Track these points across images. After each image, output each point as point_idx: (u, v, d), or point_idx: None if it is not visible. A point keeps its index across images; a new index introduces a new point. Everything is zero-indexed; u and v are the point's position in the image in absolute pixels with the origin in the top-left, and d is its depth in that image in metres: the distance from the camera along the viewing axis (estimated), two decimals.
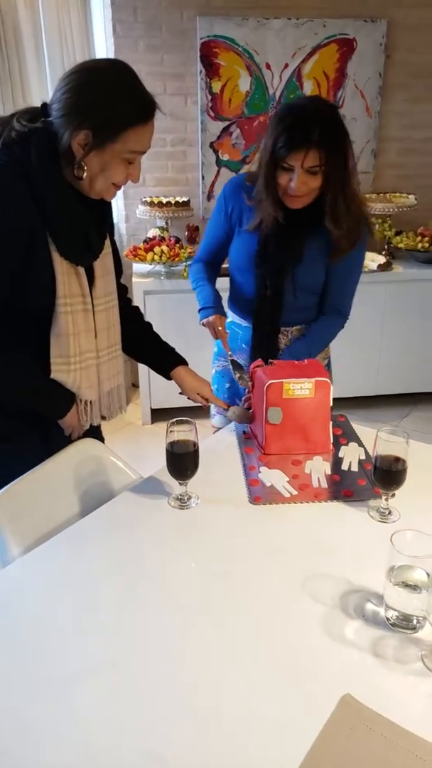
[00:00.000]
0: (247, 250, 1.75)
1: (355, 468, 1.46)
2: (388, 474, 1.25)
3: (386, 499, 1.29)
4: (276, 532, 1.26)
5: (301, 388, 1.49)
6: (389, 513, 1.29)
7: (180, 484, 1.33)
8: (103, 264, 1.42)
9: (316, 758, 0.80)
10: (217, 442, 1.63)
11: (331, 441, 1.54)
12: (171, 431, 1.28)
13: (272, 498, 1.35)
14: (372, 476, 1.28)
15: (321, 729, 0.84)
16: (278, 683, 0.91)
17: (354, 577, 1.12)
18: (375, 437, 1.26)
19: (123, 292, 1.59)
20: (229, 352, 1.78)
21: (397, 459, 1.25)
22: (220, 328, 1.75)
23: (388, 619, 1.01)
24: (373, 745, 0.82)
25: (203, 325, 1.80)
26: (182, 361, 1.65)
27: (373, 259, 3.35)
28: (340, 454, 1.52)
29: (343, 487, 1.38)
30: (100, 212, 1.37)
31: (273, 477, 1.43)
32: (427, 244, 3.44)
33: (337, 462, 1.49)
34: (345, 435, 1.61)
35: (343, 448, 1.55)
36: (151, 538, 1.24)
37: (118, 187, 1.31)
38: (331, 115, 1.53)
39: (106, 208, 1.40)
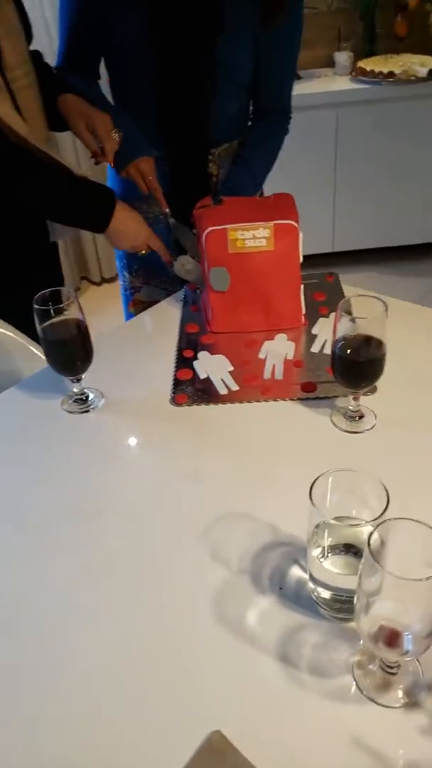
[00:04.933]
0: (142, 27, 1.13)
1: (328, 350, 1.04)
2: (352, 365, 0.84)
3: (355, 399, 0.88)
4: (195, 448, 0.89)
5: (253, 237, 1.04)
6: (360, 418, 0.88)
7: (72, 381, 0.97)
8: (4, 15, 1.02)
9: None
10: (153, 316, 1.23)
11: (303, 311, 1.12)
12: (38, 309, 0.89)
13: (202, 397, 0.98)
14: (332, 369, 0.87)
15: None
16: (144, 702, 0.60)
17: (285, 522, 0.75)
18: (336, 310, 0.83)
19: (39, 59, 1.17)
20: (167, 210, 1.24)
21: (369, 339, 0.82)
22: (150, 178, 1.22)
23: (315, 597, 0.66)
24: None
25: (125, 175, 1.23)
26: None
27: (423, 63, 2.61)
28: (314, 330, 1.10)
29: (303, 379, 0.98)
30: None
31: (212, 366, 1.03)
32: None
33: (309, 341, 1.08)
34: (328, 302, 1.17)
35: (321, 320, 1.12)
36: (32, 454, 0.91)
37: None
38: None
39: None
